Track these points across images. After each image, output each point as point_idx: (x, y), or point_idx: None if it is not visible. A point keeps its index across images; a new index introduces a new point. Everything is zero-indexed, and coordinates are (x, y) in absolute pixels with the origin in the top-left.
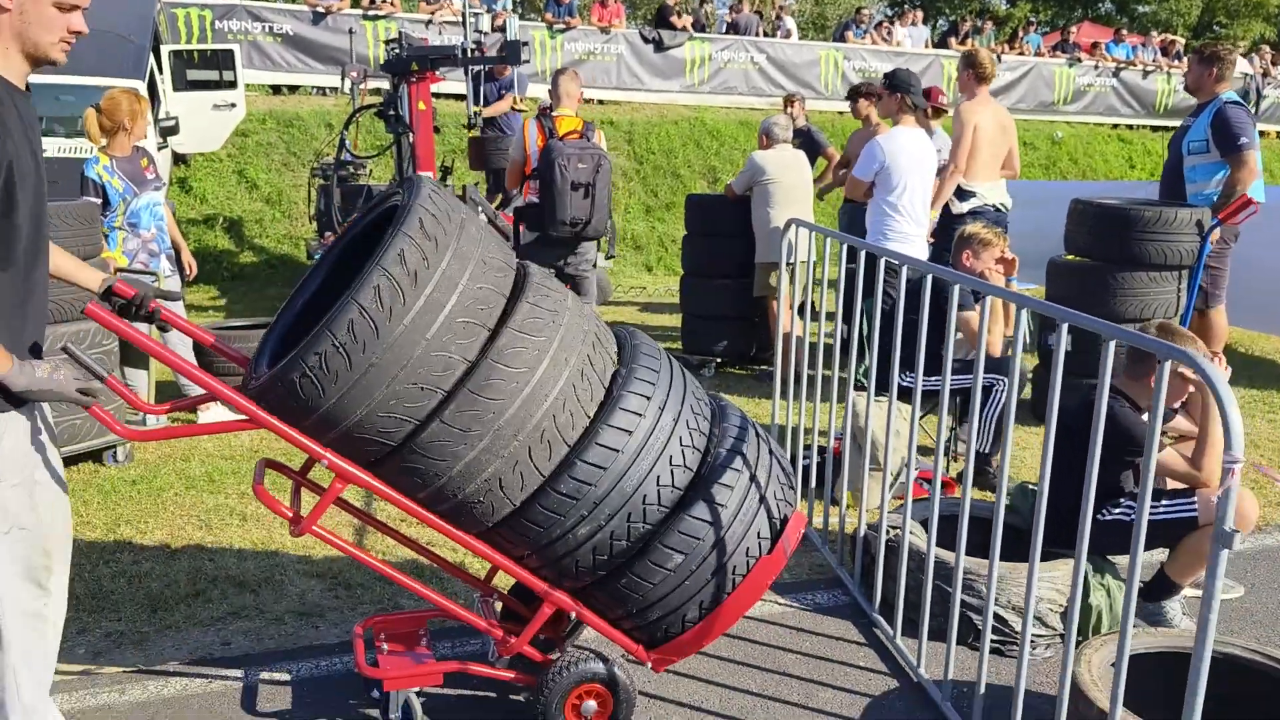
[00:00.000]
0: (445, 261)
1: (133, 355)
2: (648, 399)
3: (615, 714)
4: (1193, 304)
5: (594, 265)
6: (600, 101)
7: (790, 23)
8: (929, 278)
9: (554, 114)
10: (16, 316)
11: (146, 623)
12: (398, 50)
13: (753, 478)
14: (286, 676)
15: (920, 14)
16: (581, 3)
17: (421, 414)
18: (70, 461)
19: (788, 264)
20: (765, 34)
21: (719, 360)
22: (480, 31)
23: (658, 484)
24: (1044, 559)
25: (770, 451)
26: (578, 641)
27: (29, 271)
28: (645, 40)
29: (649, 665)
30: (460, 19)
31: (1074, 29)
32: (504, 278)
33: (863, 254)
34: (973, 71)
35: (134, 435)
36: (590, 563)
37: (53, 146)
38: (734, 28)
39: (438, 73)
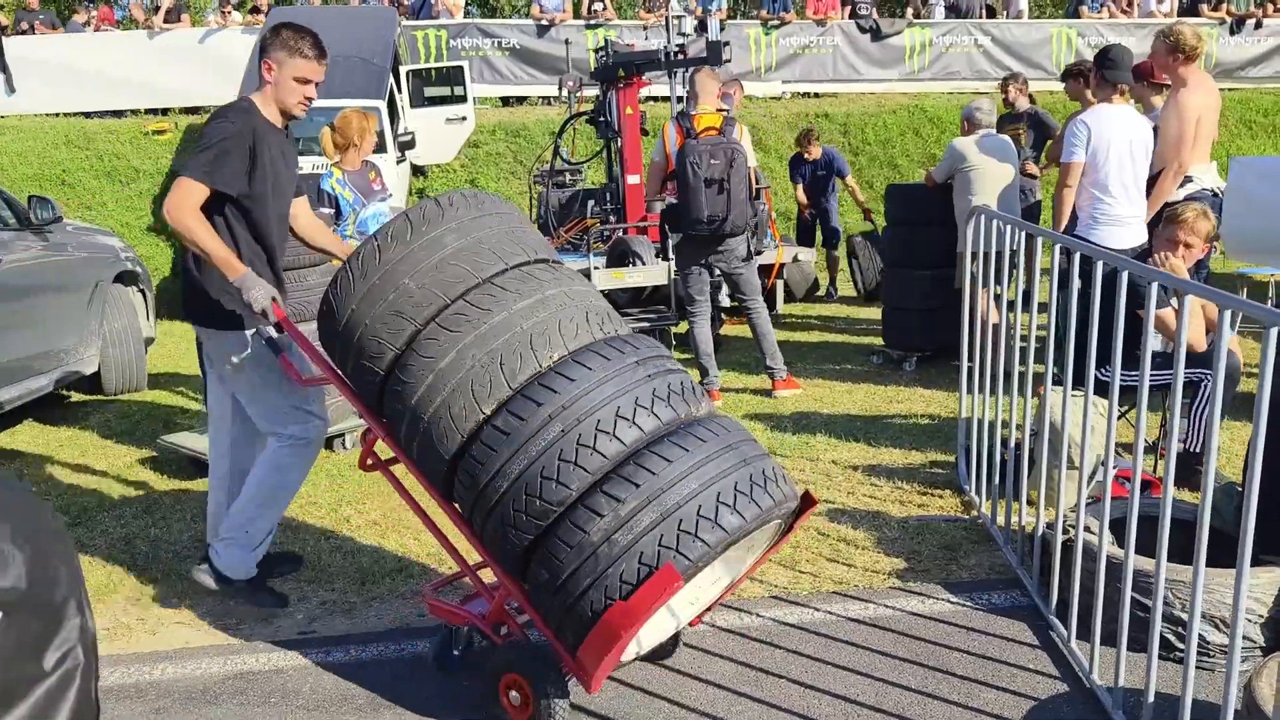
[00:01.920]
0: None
1: None
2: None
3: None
4: None
5: (746, 259)
6: (816, 95)
7: (1022, 0)
8: (1124, 274)
9: (692, 113)
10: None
11: (356, 594)
12: (605, 58)
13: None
14: (472, 644)
15: None
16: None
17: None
18: None
19: (974, 254)
20: (991, 11)
21: (920, 354)
22: (683, 34)
23: (561, 460)
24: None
25: (733, 461)
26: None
27: (270, 259)
28: (862, 30)
29: (585, 687)
30: (664, 23)
31: None
32: (456, 282)
33: (1056, 247)
34: (1181, 54)
35: None
36: (512, 518)
37: (306, 164)
38: (954, 10)
39: (644, 77)
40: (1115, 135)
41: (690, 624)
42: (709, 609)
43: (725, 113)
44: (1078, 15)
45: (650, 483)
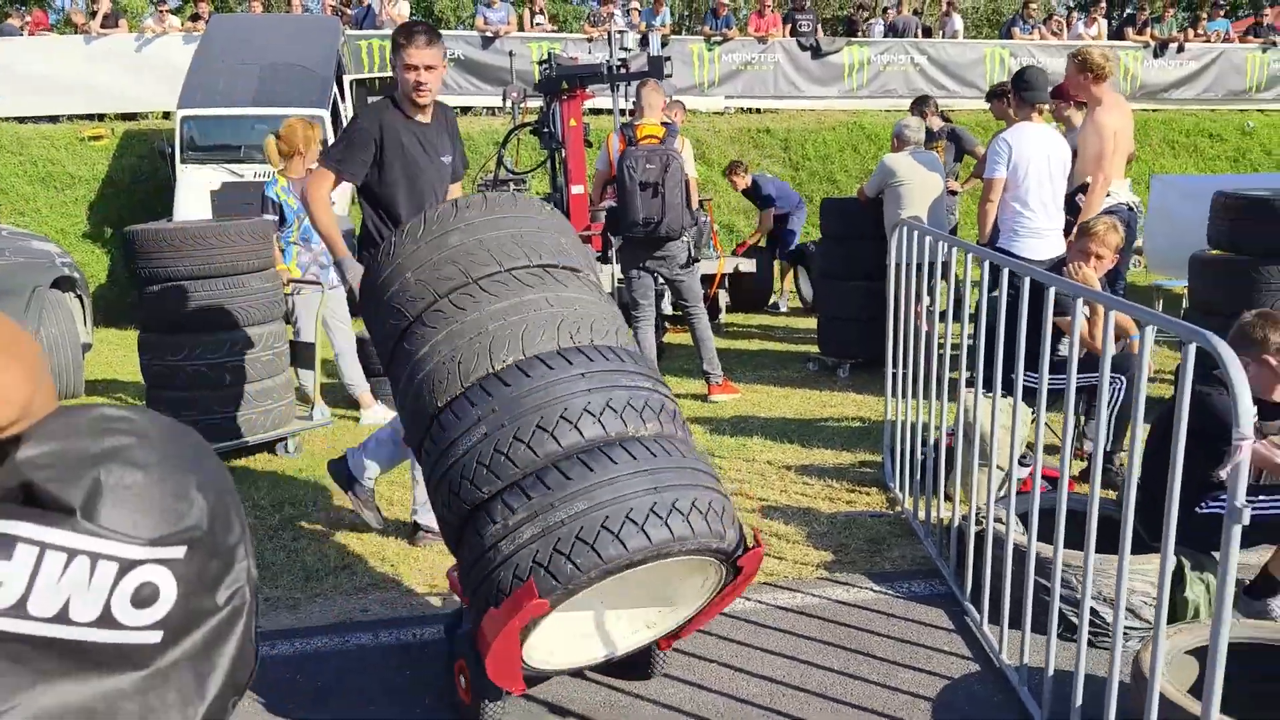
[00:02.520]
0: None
1: (300, 356)
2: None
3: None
4: None
5: (686, 266)
6: (758, 111)
7: (958, 22)
8: (1027, 280)
9: (636, 123)
10: None
11: (300, 590)
12: (549, 70)
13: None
14: (412, 639)
15: (1103, 8)
16: (737, 12)
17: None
18: (248, 452)
19: (900, 265)
20: (927, 32)
21: (854, 361)
22: (625, 49)
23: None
24: (1144, 553)
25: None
26: None
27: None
28: (803, 48)
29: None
30: (606, 37)
31: (1269, 10)
32: (446, 280)
33: (969, 256)
34: (1090, 74)
35: None
36: (442, 509)
37: (249, 172)
38: (892, 29)
39: (588, 89)
40: (1034, 152)
41: (660, 646)
42: (679, 635)
43: (669, 125)
44: (1010, 36)
45: (542, 497)
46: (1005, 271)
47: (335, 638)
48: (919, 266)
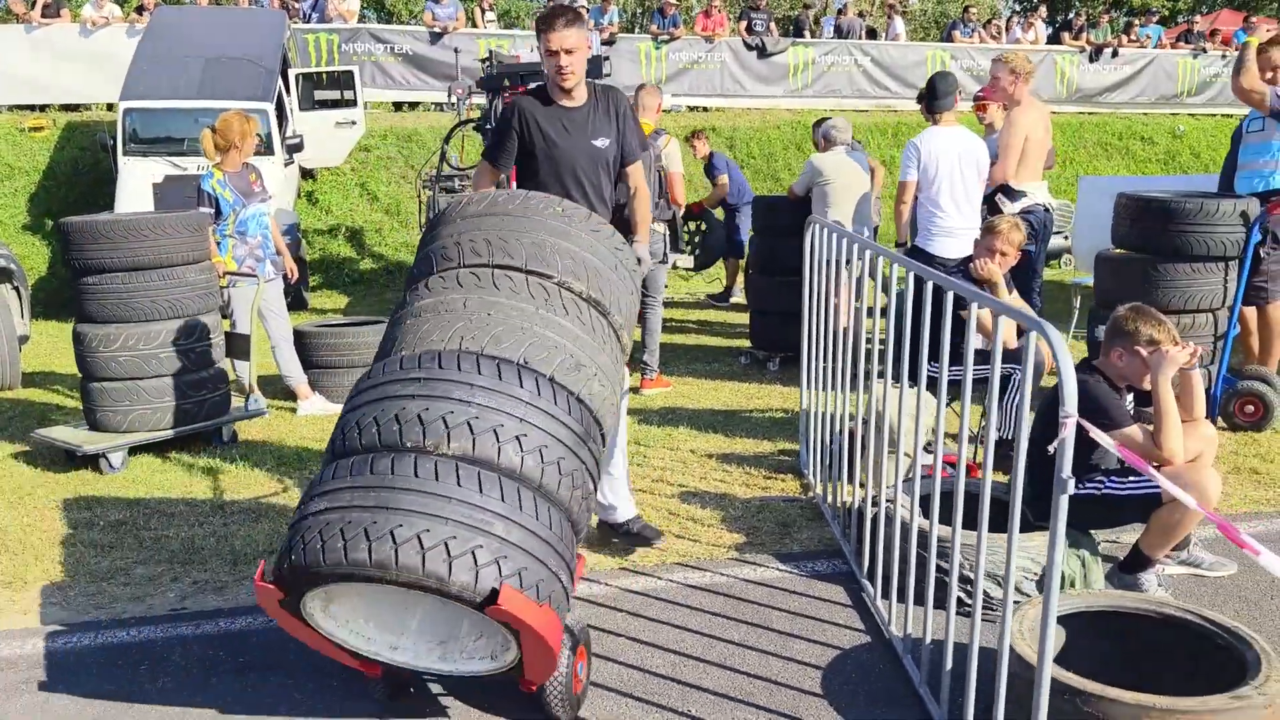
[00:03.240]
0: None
1: (236, 347)
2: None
3: None
4: (1240, 297)
5: (659, 260)
6: (704, 109)
7: (900, 24)
8: (929, 284)
9: None
10: None
11: (228, 574)
12: (490, 68)
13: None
14: None
15: (1044, 13)
16: (688, 11)
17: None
18: (184, 442)
19: (813, 262)
20: (872, 33)
21: (784, 355)
22: None
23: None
24: (1028, 531)
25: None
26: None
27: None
28: (749, 48)
29: None
30: None
31: (1200, 18)
32: (419, 272)
33: (880, 259)
34: (1016, 76)
35: None
36: None
37: (192, 165)
38: (838, 31)
39: (528, 87)
40: (943, 154)
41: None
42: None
43: (658, 130)
44: (951, 39)
45: (313, 485)
46: (910, 274)
47: (260, 618)
48: (834, 264)
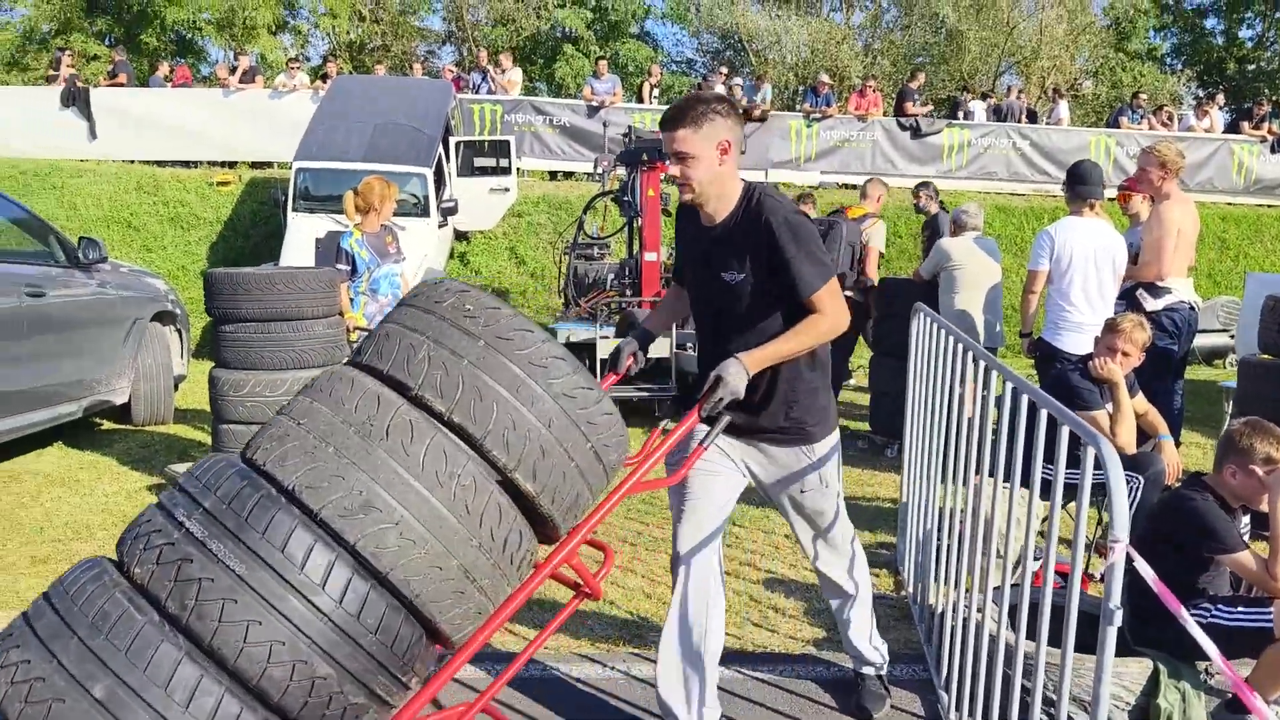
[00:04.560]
0: None
1: None
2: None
3: None
4: None
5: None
6: (853, 186)
7: (1064, 109)
8: (1025, 397)
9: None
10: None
11: None
12: (629, 142)
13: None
14: None
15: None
16: (840, 93)
17: None
18: None
19: (916, 351)
20: (1032, 116)
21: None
22: None
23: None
24: (1125, 656)
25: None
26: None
27: (703, 347)
28: (902, 128)
29: None
30: None
31: None
32: None
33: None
34: (1166, 170)
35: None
36: None
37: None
38: (996, 113)
39: (667, 162)
40: (1079, 247)
41: None
42: None
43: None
44: (1117, 125)
45: None
46: (1007, 385)
47: None
48: (939, 355)
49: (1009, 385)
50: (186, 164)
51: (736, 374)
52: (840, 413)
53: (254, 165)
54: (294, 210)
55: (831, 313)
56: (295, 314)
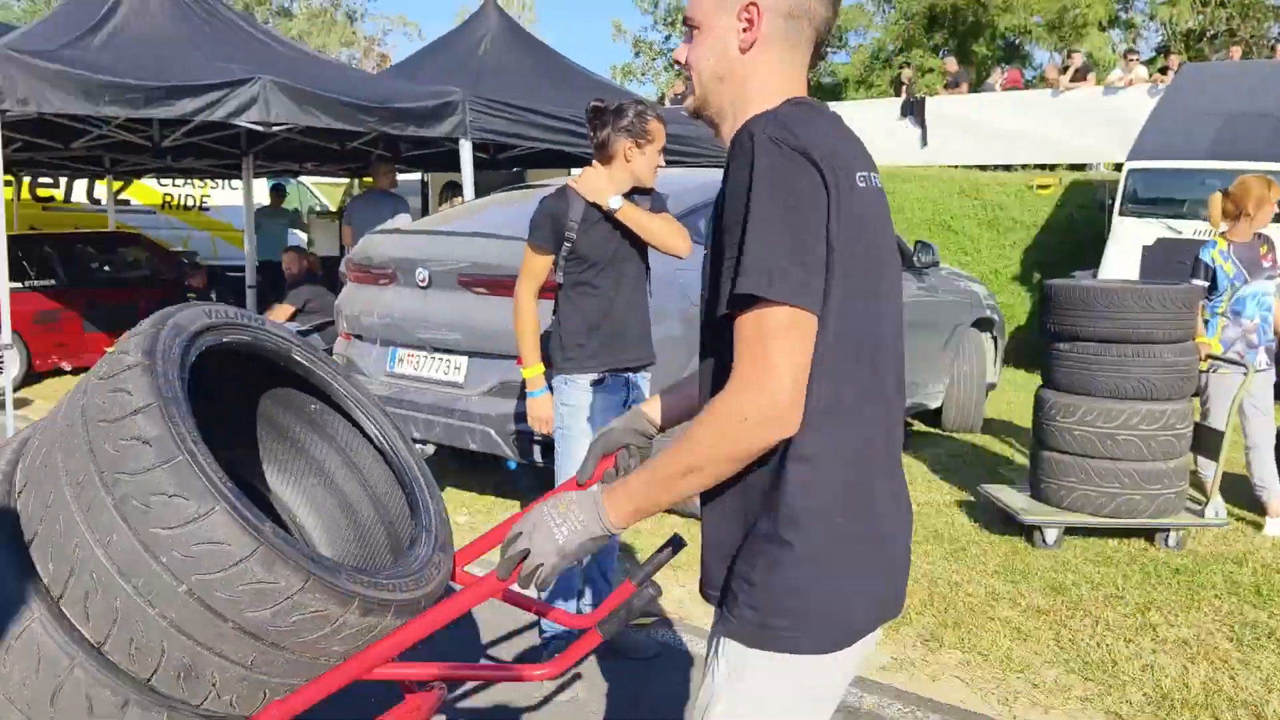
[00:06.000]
0: None
1: (1206, 443)
2: None
3: None
4: None
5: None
6: None
7: None
8: None
9: None
10: None
11: (1151, 715)
12: None
13: None
14: None
15: None
16: None
17: None
18: (1121, 534)
19: None
20: None
21: None
22: None
23: None
24: None
25: None
26: None
27: None
28: None
29: None
30: None
31: None
32: None
33: None
34: None
35: None
36: None
37: (1188, 229)
38: None
39: None
40: None
41: None
42: None
43: None
44: None
45: None
46: None
47: None
48: None
49: None
50: (1006, 168)
51: None
52: None
53: (1071, 167)
54: (1120, 214)
55: None
56: (1142, 336)
